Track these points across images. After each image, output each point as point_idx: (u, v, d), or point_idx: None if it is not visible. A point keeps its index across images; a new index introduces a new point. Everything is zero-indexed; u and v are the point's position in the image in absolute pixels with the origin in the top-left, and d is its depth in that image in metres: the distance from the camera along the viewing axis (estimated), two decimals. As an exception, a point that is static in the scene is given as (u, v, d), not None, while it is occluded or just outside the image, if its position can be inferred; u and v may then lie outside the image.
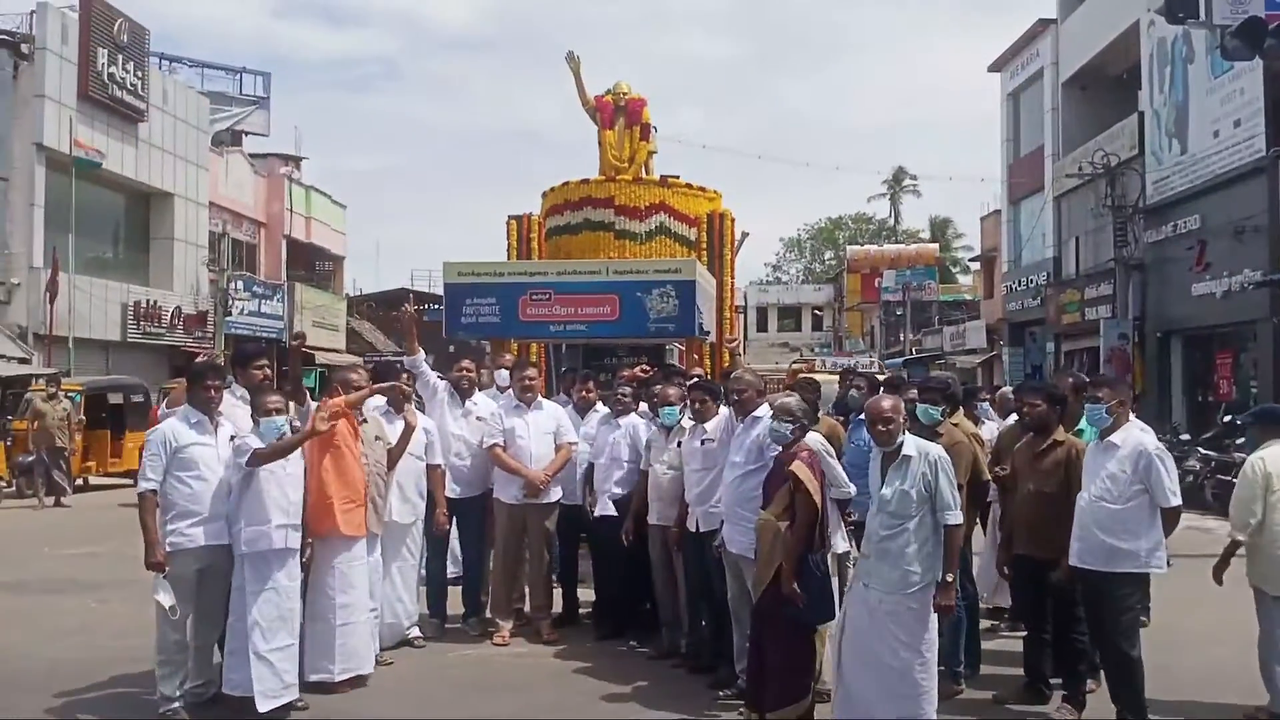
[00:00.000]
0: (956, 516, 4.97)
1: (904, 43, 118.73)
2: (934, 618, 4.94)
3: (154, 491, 5.48)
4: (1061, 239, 28.55)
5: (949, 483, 4.97)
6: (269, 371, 6.23)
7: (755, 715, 5.29)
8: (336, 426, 6.00)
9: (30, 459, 15.80)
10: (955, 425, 6.28)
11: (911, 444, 5.03)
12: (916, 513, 4.90)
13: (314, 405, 6.08)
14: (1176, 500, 5.27)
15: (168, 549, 5.45)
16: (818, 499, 5.17)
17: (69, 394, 17.04)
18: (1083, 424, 6.09)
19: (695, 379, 7.19)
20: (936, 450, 5.09)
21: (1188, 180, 21.29)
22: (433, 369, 7.83)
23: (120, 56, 25.81)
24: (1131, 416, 6.70)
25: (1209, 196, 20.41)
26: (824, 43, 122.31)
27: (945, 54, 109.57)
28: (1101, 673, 5.64)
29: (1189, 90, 21.29)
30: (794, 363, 22.93)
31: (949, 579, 4.94)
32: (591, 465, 7.36)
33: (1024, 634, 6.11)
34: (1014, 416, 6.97)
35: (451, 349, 8.55)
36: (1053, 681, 5.81)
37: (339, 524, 5.98)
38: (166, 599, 5.50)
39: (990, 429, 7.34)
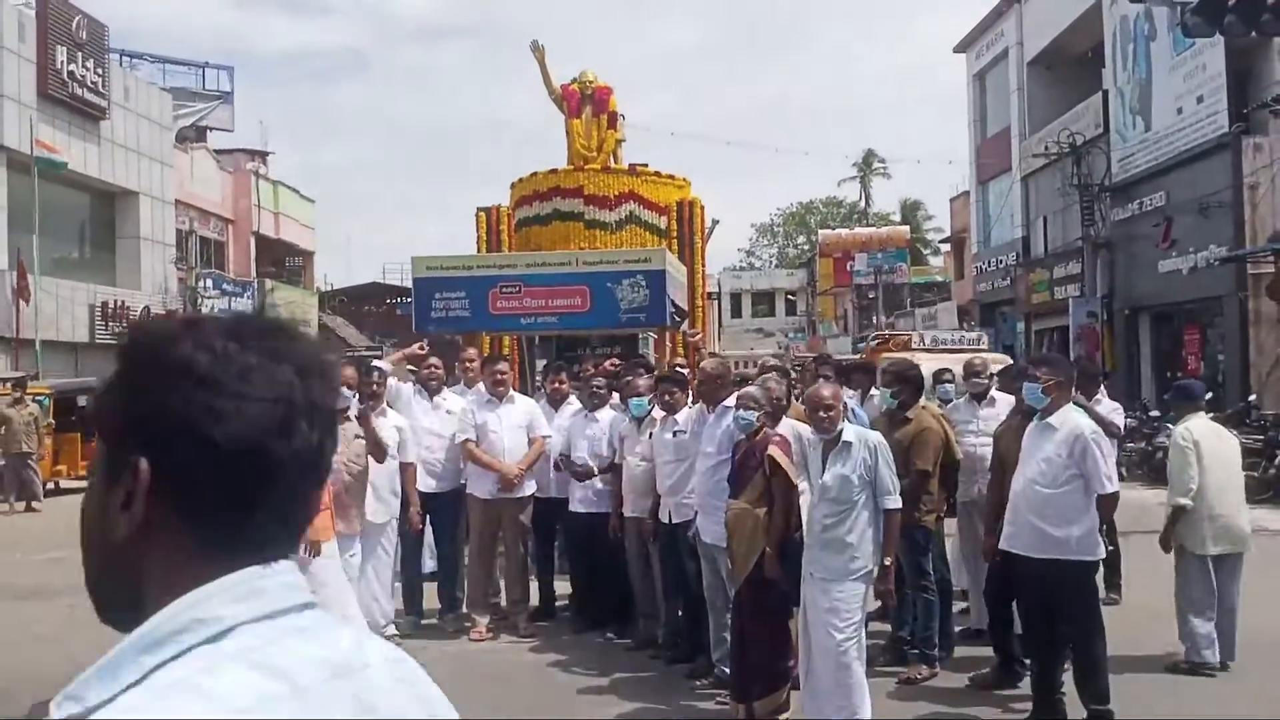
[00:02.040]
0: (895, 501, 5.04)
1: (870, 25, 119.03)
2: (866, 602, 5.02)
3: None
4: (1030, 219, 28.72)
5: (888, 468, 5.05)
6: None
7: (742, 706, 5.30)
8: None
9: (0, 465, 15.62)
10: (924, 409, 6.31)
11: (851, 431, 5.10)
12: (858, 497, 4.95)
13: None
14: (1112, 486, 5.22)
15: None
16: (796, 481, 5.22)
17: (36, 397, 16.83)
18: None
19: (672, 368, 7.20)
20: (875, 436, 5.18)
21: (1152, 158, 21.47)
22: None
23: (80, 54, 25.45)
24: (1103, 396, 6.80)
25: (1173, 173, 20.59)
26: (791, 26, 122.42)
27: (912, 35, 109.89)
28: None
29: (1152, 67, 21.45)
30: (873, 338, 16.90)
31: (888, 563, 5.02)
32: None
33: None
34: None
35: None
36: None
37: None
38: None
39: (961, 407, 7.30)
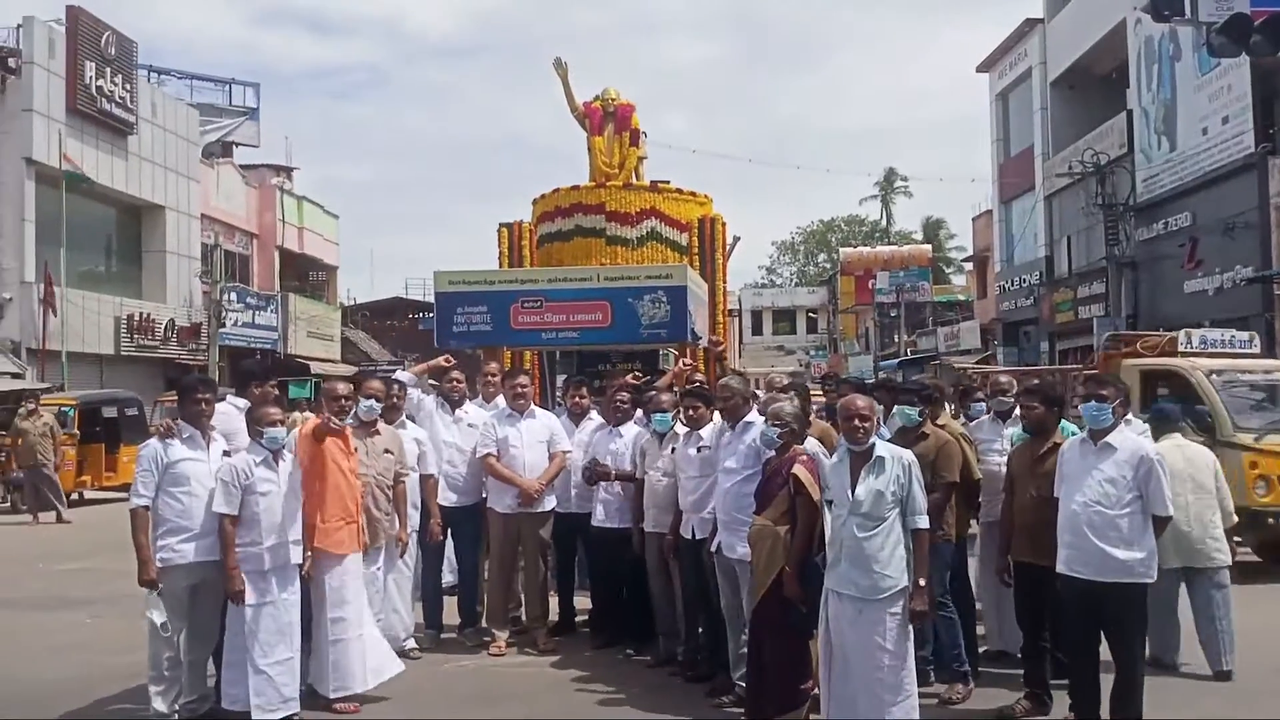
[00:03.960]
0: (925, 520, 4.98)
1: (892, 43, 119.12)
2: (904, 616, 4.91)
3: (146, 508, 5.47)
4: (1053, 238, 28.61)
5: (920, 487, 4.99)
6: (275, 391, 6.33)
7: None
8: (325, 445, 6.00)
9: (21, 475, 15.77)
10: (942, 426, 6.27)
11: (883, 447, 5.04)
12: (889, 514, 4.87)
13: (300, 416, 6.09)
14: (1172, 510, 5.20)
15: (159, 565, 5.43)
16: (820, 502, 5.18)
17: (61, 408, 17.00)
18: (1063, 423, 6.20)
19: (694, 385, 7.18)
20: (908, 455, 5.10)
21: (1177, 178, 21.36)
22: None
23: (108, 69, 25.79)
24: (1131, 416, 6.75)
25: (1199, 194, 20.48)
26: (812, 44, 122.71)
27: (934, 54, 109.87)
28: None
29: (1177, 88, 21.36)
30: (1107, 338, 12.82)
31: (921, 583, 4.92)
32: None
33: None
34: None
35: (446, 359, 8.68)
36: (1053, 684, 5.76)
37: (327, 544, 5.92)
38: (158, 616, 5.48)
39: (985, 426, 7.23)
